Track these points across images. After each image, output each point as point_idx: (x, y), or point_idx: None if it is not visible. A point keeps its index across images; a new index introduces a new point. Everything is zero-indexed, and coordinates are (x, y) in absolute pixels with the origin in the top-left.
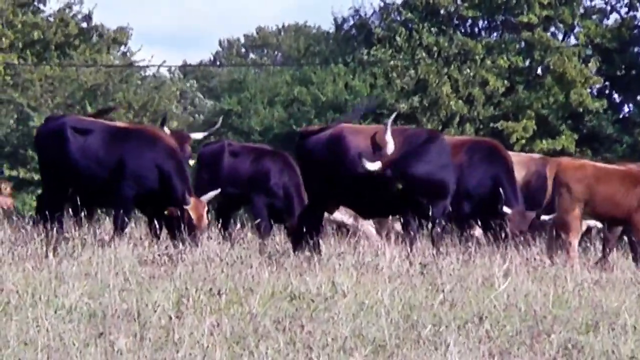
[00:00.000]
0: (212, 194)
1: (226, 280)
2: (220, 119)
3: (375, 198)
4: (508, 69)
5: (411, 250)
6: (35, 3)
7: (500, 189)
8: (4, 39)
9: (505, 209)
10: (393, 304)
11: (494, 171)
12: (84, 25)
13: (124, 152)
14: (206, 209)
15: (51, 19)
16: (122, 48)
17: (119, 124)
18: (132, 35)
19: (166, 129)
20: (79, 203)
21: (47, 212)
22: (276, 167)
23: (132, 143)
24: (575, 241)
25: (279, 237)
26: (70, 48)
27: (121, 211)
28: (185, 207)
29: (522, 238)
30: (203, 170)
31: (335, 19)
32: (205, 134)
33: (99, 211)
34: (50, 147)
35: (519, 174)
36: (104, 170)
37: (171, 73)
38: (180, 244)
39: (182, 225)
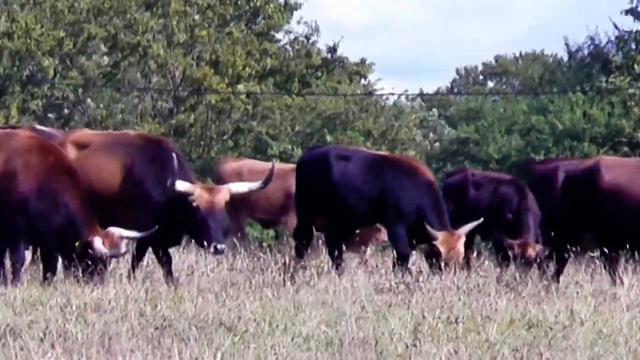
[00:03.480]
0: (471, 225)
1: (463, 308)
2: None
3: (631, 231)
4: None
5: None
6: (272, 32)
7: None
8: (247, 69)
9: None
10: (631, 333)
11: None
12: (328, 56)
13: (385, 184)
14: (462, 240)
15: (288, 47)
16: (363, 80)
17: (380, 153)
18: (374, 70)
19: None
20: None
21: (299, 241)
22: (513, 196)
23: (393, 175)
24: None
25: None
26: (312, 78)
27: (398, 243)
28: (434, 241)
29: None
30: (448, 202)
31: (568, 47)
32: None
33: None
34: (312, 175)
35: None
36: (363, 200)
37: (410, 101)
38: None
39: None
